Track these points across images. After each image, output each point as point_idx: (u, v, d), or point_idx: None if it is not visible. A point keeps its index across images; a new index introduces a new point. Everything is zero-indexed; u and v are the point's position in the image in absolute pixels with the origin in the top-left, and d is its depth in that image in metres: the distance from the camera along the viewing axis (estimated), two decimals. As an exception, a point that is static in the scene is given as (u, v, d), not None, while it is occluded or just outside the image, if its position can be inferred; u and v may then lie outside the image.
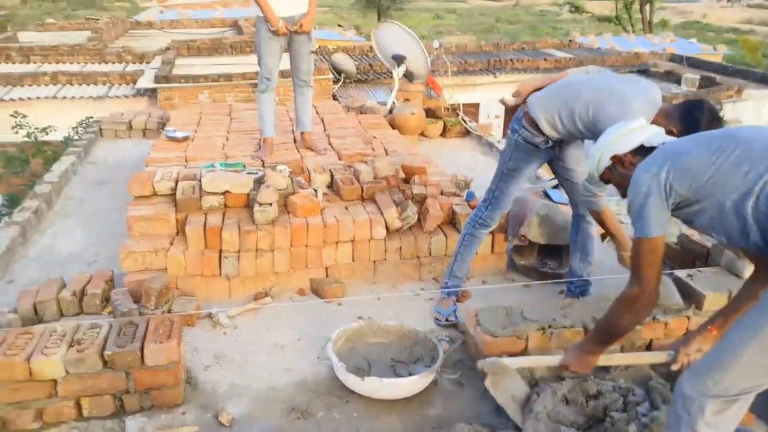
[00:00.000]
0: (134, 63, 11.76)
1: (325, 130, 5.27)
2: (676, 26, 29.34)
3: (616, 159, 2.09)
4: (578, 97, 2.80)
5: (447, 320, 3.19)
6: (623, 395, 2.41)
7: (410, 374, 2.65)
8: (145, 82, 9.68)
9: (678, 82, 11.48)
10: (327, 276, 3.54)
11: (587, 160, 2.29)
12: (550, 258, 3.76)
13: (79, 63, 11.80)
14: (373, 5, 28.27)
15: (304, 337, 3.05)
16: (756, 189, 1.71)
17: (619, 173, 2.08)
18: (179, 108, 6.55)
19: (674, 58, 13.60)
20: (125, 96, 9.76)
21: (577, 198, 3.19)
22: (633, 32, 22.30)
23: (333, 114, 5.92)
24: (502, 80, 11.27)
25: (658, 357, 2.42)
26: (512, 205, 3.65)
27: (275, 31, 4.21)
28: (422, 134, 6.73)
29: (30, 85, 10.13)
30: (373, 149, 4.79)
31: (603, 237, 3.73)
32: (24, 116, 8.06)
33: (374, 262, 3.59)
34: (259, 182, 3.64)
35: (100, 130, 6.30)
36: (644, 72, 12.14)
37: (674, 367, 2.29)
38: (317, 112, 5.82)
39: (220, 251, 3.35)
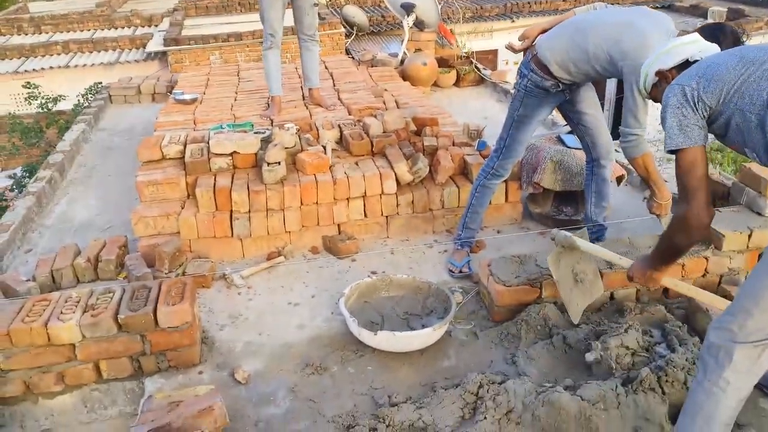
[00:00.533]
0: (143, 26, 11.67)
1: (334, 86, 5.18)
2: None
3: (661, 75, 2.02)
4: (589, 36, 2.68)
5: (460, 271, 3.16)
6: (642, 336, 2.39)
7: (423, 327, 2.65)
8: (155, 45, 9.61)
9: (704, 15, 11.00)
10: (339, 233, 3.53)
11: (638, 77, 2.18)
12: (565, 205, 3.69)
13: (89, 30, 11.75)
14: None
15: (317, 294, 3.06)
16: None
17: (663, 90, 1.98)
18: (190, 71, 6.49)
19: (700, -9, 13.01)
20: (136, 61, 9.72)
21: (591, 142, 3.09)
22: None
23: (342, 68, 5.81)
24: (520, 24, 10.91)
25: (722, 302, 2.23)
26: (525, 152, 3.57)
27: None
28: (435, 84, 6.59)
29: (42, 56, 10.15)
30: (384, 103, 4.71)
31: (618, 181, 3.65)
32: (36, 86, 8.08)
33: (386, 217, 3.56)
34: (266, 142, 3.60)
35: (109, 96, 6.29)
36: (668, 7, 11.66)
37: None
38: (326, 68, 5.72)
39: (231, 212, 3.34)
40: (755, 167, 2.93)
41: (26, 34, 11.59)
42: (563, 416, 2.08)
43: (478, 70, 6.83)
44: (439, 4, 7.12)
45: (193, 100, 4.87)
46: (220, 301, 3.02)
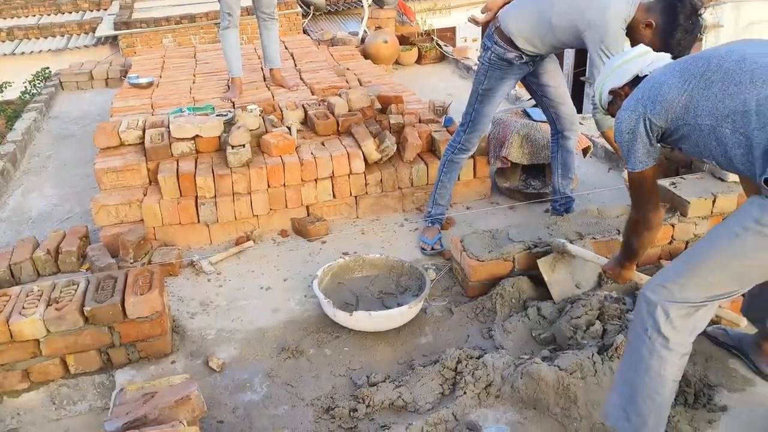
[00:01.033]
0: (91, 10, 11.25)
1: (295, 66, 5.08)
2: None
3: (615, 93, 2.04)
4: (553, 6, 2.67)
5: (432, 249, 3.15)
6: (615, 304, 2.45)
7: (399, 305, 2.63)
8: (105, 29, 9.27)
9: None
10: (308, 215, 3.47)
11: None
12: (533, 178, 3.71)
13: (34, 16, 11.26)
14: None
15: (290, 278, 3.01)
16: (734, 110, 1.64)
17: (619, 107, 2.01)
18: (144, 54, 6.28)
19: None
20: (85, 46, 9.37)
21: (555, 114, 3.10)
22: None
23: (303, 48, 5.70)
24: (478, 0, 10.91)
25: None
26: (492, 127, 3.57)
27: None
28: (397, 62, 6.54)
29: (-15, 43, 9.70)
30: (347, 81, 4.64)
31: (584, 152, 3.68)
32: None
33: (355, 197, 3.52)
34: (229, 124, 3.51)
35: (60, 83, 6.05)
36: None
37: None
38: (286, 48, 5.61)
39: (196, 198, 3.25)
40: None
41: (-34, 21, 11.06)
42: (542, 387, 2.09)
43: (440, 47, 6.79)
44: (398, -20, 7.04)
45: (150, 84, 4.71)
46: (189, 289, 2.95)
